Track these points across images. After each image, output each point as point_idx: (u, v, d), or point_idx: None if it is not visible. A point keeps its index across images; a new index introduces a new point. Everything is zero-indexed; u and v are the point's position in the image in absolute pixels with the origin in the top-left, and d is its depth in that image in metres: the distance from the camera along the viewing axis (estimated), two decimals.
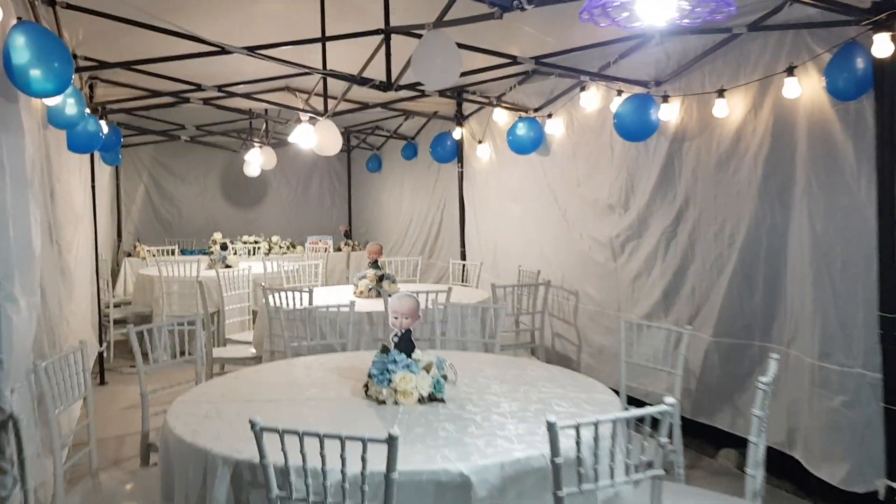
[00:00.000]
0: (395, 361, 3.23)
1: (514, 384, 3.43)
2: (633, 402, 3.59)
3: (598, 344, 5.99)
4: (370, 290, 6.08)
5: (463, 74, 4.97)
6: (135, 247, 10.43)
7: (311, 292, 5.34)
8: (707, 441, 4.97)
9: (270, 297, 5.45)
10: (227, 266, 8.91)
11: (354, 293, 6.17)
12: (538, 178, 6.72)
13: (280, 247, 10.58)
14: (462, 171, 8.26)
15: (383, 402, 3.16)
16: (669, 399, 2.33)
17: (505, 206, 7.39)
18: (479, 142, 7.80)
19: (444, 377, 3.32)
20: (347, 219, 12.49)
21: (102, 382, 7.19)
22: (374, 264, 6.25)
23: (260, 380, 3.61)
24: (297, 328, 5.13)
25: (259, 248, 10.42)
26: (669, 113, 5.02)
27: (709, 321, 4.85)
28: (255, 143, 9.57)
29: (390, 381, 3.17)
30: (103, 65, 5.38)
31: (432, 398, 3.19)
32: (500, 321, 4.50)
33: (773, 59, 4.28)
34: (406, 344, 3.30)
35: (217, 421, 2.89)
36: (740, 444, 4.77)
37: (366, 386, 3.27)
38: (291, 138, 6.99)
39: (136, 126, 10.30)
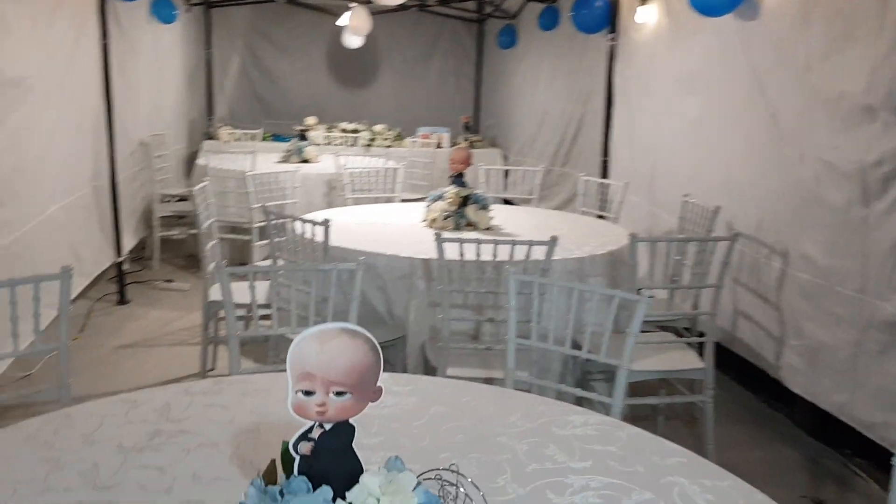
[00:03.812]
0: None
1: None
2: None
3: (815, 338, 3.58)
4: (446, 217, 3.94)
5: None
6: (217, 128, 8.72)
7: (327, 226, 3.26)
8: None
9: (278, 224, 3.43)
10: (304, 160, 7.01)
11: (423, 220, 4.06)
12: (733, 55, 4.19)
13: (384, 138, 8.54)
14: (615, 46, 5.76)
15: None
16: None
17: (675, 101, 4.91)
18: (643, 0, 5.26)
19: None
20: (473, 108, 10.20)
21: (122, 302, 5.55)
22: (458, 179, 4.07)
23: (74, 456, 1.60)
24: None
25: (357, 138, 8.42)
26: None
27: None
28: (351, 2, 7.41)
29: None
30: None
31: None
32: (631, 338, 2.22)
33: None
34: (330, 463, 1.18)
35: None
36: None
37: None
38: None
39: None
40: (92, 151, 5.03)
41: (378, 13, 7.50)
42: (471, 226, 3.93)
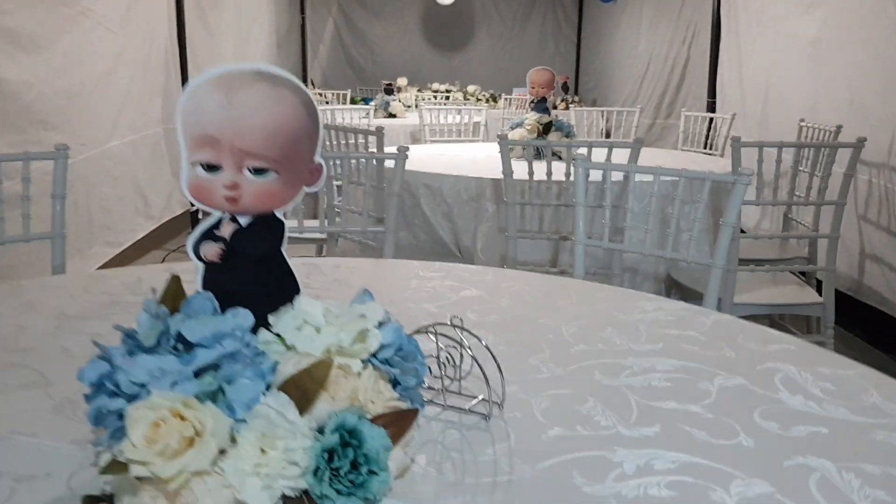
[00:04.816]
0: (179, 347, 0.76)
1: None
2: None
3: None
4: (525, 146, 3.52)
5: None
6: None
7: (380, 134, 2.91)
8: None
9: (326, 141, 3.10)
10: (391, 115, 6.72)
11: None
12: None
13: (477, 98, 8.16)
14: None
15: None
16: None
17: (790, 24, 4.32)
18: None
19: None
20: (574, 69, 9.69)
21: None
22: (540, 104, 3.66)
23: None
24: (361, 198, 2.76)
25: (448, 97, 8.08)
26: None
27: None
28: None
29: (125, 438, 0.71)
30: None
31: None
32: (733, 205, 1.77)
33: None
34: (248, 276, 0.81)
35: None
36: None
37: None
38: None
39: None
40: (162, 92, 4.87)
41: None
42: (553, 155, 3.50)
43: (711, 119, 4.41)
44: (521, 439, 0.90)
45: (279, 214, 0.80)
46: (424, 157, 3.66)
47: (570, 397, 1.01)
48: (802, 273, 3.23)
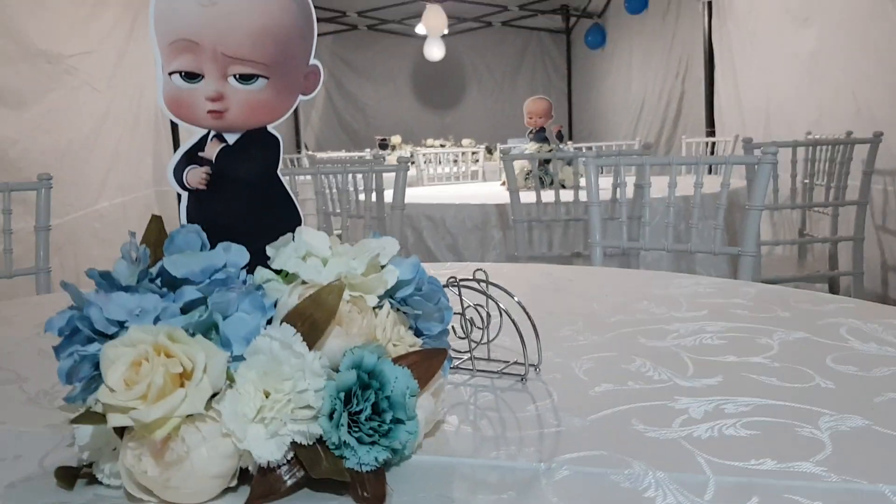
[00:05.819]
0: (164, 289, 0.64)
1: None
2: None
3: None
4: (528, 175, 3.44)
5: None
6: (300, 157, 8.57)
7: (377, 159, 2.83)
8: None
9: (324, 179, 3.01)
10: None
11: (501, 182, 3.59)
12: None
13: (473, 152, 8.14)
14: (710, 2, 5.17)
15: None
16: None
17: (784, 42, 4.29)
18: None
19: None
20: (567, 118, 9.70)
21: None
22: (539, 134, 3.60)
23: None
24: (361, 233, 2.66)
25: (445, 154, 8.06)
26: None
27: None
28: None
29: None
30: None
31: None
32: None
33: None
34: (239, 203, 0.70)
35: None
36: None
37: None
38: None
39: None
40: (153, 153, 4.81)
41: (460, 32, 7.20)
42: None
43: (713, 145, 4.34)
44: (565, 396, 0.78)
45: (273, 130, 0.70)
46: (425, 194, 3.60)
47: (615, 358, 0.89)
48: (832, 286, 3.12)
